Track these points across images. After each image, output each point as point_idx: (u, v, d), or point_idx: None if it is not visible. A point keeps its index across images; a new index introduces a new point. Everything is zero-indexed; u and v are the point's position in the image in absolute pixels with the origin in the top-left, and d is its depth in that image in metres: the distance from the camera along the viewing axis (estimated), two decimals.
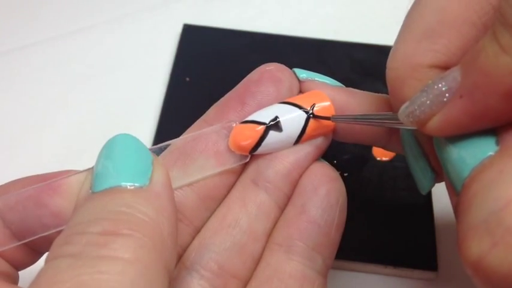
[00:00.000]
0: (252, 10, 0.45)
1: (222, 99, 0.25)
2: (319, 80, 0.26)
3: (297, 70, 0.26)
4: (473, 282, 0.17)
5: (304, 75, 0.26)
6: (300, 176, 0.24)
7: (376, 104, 0.25)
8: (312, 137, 0.24)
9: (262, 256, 0.24)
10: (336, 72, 0.38)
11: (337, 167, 0.35)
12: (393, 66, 0.21)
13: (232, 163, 0.24)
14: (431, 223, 0.33)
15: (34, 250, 0.22)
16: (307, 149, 0.25)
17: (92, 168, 0.20)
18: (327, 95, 0.25)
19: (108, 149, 0.20)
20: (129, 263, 0.17)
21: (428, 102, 0.19)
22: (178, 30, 0.42)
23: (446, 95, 0.18)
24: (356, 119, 0.24)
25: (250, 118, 0.24)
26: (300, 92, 0.26)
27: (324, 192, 0.24)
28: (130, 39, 0.44)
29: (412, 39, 0.21)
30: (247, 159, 0.24)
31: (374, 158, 0.35)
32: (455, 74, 0.18)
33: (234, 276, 0.23)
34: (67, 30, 0.44)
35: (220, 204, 0.25)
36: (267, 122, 0.24)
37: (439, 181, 0.24)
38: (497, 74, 0.17)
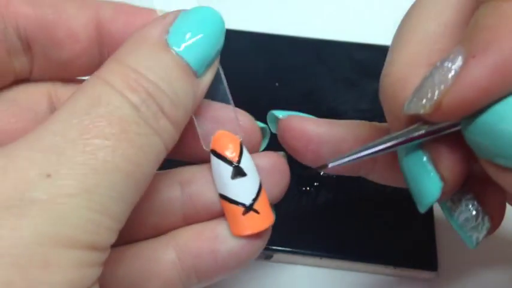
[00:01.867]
0: (252, 10, 0.45)
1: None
2: (300, 114, 0.25)
3: (275, 112, 0.25)
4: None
5: (281, 115, 0.25)
6: None
7: (360, 129, 0.25)
8: None
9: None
10: (336, 72, 0.39)
11: None
12: (391, 71, 0.20)
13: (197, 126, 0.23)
14: (431, 223, 0.33)
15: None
16: None
17: (176, 14, 0.21)
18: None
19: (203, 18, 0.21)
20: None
21: (439, 78, 0.18)
22: None
23: (457, 65, 0.17)
24: (351, 155, 0.21)
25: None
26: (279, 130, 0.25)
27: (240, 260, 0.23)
28: None
29: (412, 43, 0.20)
30: (208, 149, 0.23)
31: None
32: (459, 48, 0.17)
33: None
34: None
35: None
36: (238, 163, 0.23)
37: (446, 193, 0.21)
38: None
